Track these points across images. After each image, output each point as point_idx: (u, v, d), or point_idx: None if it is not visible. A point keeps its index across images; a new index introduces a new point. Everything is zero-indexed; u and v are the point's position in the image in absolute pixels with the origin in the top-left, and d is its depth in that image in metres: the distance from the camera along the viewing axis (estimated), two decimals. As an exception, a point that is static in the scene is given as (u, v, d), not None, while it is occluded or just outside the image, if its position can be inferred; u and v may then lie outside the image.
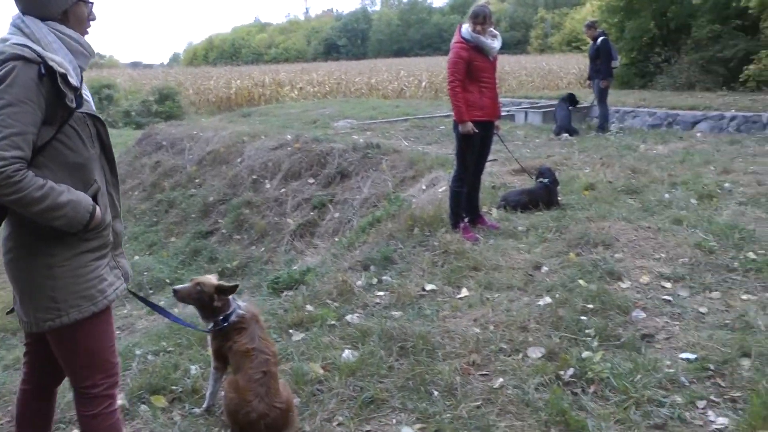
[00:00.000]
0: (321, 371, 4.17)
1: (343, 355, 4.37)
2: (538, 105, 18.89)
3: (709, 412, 3.57)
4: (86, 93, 2.70)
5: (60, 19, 2.62)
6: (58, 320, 2.60)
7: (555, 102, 16.47)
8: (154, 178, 14.26)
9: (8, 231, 2.64)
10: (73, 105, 2.54)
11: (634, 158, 10.48)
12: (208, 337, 3.73)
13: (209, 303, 3.52)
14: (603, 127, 14.20)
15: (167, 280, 9.23)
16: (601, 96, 14.16)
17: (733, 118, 14.91)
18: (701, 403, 3.64)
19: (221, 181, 12.68)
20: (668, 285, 5.36)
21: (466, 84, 6.66)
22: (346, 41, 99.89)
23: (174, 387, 4.07)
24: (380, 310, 5.27)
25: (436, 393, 3.90)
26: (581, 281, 5.39)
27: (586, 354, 4.17)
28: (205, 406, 3.82)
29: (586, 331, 4.52)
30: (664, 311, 4.90)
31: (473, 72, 6.67)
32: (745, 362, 4.01)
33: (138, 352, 4.74)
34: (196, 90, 37.76)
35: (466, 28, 6.68)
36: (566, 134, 13.46)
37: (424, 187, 9.41)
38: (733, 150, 11.22)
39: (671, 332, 4.56)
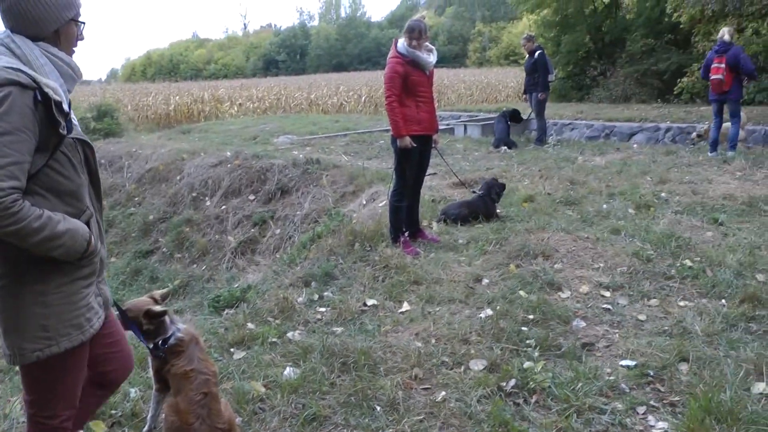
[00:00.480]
0: (263, 389, 4.12)
1: (285, 372, 4.34)
2: (477, 118, 19.16)
3: (649, 417, 3.65)
4: (73, 116, 2.62)
5: (51, 38, 2.57)
6: (47, 350, 2.53)
7: (494, 115, 16.75)
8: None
9: None
10: (65, 132, 2.48)
11: (572, 170, 10.72)
12: (149, 359, 3.66)
13: (140, 327, 3.45)
14: (541, 139, 14.51)
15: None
16: (539, 109, 14.46)
17: (668, 130, 15.41)
18: (641, 409, 3.72)
19: (161, 200, 12.55)
20: (607, 294, 5.49)
21: (403, 98, 6.72)
22: (285, 57, 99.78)
23: (113, 411, 3.97)
24: (322, 326, 5.25)
25: (378, 408, 3.89)
26: (522, 292, 5.47)
27: (527, 364, 4.22)
28: (145, 429, 3.73)
29: (527, 341, 4.58)
30: (604, 320, 5.01)
31: (410, 86, 6.73)
32: (684, 367, 4.13)
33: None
34: (134, 106, 37.16)
35: (402, 42, 6.74)
36: (505, 147, 13.71)
37: (364, 202, 9.46)
38: (668, 160, 11.57)
39: (611, 340, 4.66)
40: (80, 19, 2.67)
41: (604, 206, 8.08)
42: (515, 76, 35.40)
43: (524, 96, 15.30)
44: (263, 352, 4.75)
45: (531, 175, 10.29)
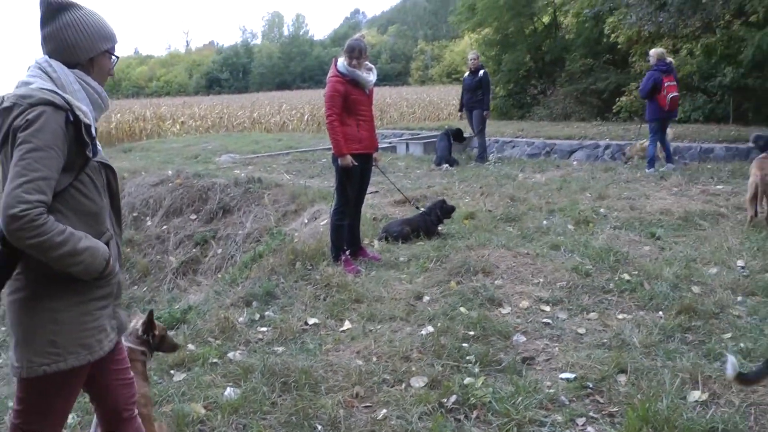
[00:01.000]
0: (203, 411, 4.10)
1: (225, 393, 4.32)
2: (420, 136, 19.34)
3: (589, 429, 3.73)
4: (97, 142, 2.71)
5: (85, 66, 2.69)
6: (54, 365, 2.56)
7: (436, 133, 16.93)
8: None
9: (16, 272, 2.61)
10: (91, 154, 2.59)
11: (513, 187, 10.89)
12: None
13: None
14: (482, 157, 14.72)
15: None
16: (482, 127, 14.65)
17: (607, 147, 15.78)
18: (581, 420, 3.80)
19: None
20: (547, 308, 5.60)
21: (343, 117, 6.78)
22: (228, 75, 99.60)
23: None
24: (263, 346, 5.24)
25: (319, 427, 3.89)
26: (462, 309, 5.55)
27: (468, 380, 4.27)
28: None
29: (468, 357, 4.64)
30: (544, 334, 5.11)
31: (350, 105, 6.80)
32: (622, 378, 4.24)
33: (10, 404, 4.49)
34: (75, 124, 36.40)
35: (342, 61, 6.80)
36: (446, 165, 13.87)
37: (306, 221, 9.47)
38: (607, 177, 11.86)
39: (551, 354, 4.75)
40: (115, 53, 2.81)
41: (544, 222, 8.24)
42: (457, 94, 35.76)
43: (461, 114, 15.45)
44: (203, 373, 4.72)
45: (472, 193, 10.43)
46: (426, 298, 5.97)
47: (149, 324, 3.62)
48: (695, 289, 5.78)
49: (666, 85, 11.85)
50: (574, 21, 23.75)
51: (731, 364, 3.35)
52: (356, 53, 6.72)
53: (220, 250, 10.49)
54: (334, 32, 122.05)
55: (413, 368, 4.56)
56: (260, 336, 5.48)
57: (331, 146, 6.93)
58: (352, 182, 6.97)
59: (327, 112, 6.80)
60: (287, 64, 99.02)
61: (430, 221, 7.95)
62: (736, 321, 5.10)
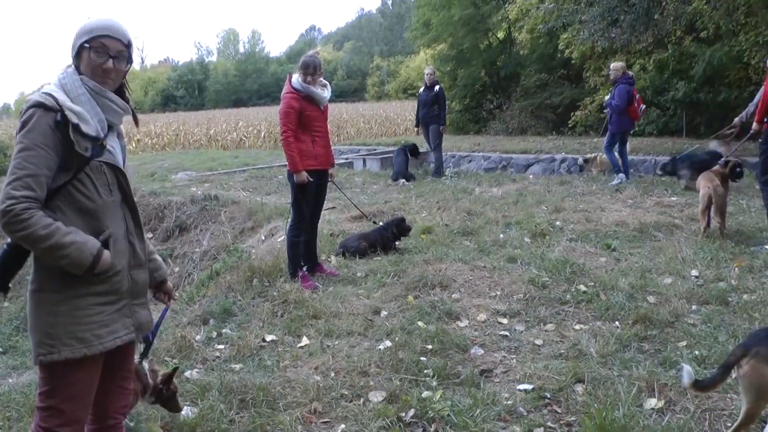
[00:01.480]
0: (161, 431, 4.06)
1: (183, 412, 4.25)
2: (376, 152, 19.42)
3: (546, 439, 3.76)
4: (113, 145, 2.89)
5: (79, 69, 2.82)
6: (49, 356, 2.70)
7: (393, 148, 17.02)
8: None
9: (33, 267, 2.81)
10: (88, 154, 2.73)
11: (469, 201, 10.99)
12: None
13: None
14: (439, 171, 14.82)
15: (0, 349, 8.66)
16: (438, 141, 14.76)
17: (563, 161, 16.03)
18: (538, 431, 3.83)
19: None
20: (505, 321, 5.65)
21: (298, 134, 6.78)
22: (184, 92, 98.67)
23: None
24: (220, 363, 5.19)
25: (277, 444, 3.87)
26: (420, 323, 5.56)
27: (426, 394, 4.28)
28: None
29: (426, 371, 4.65)
30: (502, 346, 5.14)
31: (305, 121, 6.81)
32: (579, 388, 4.29)
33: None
34: (30, 143, 35.76)
35: (296, 78, 6.81)
36: (403, 180, 13.96)
37: (263, 238, 9.45)
38: (563, 190, 12.01)
39: (509, 366, 4.79)
40: (98, 45, 2.83)
41: (501, 236, 8.32)
42: (413, 110, 36.05)
43: (417, 129, 15.53)
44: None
45: (429, 207, 10.49)
46: (384, 313, 5.98)
47: (169, 379, 3.88)
48: (651, 298, 5.89)
49: (637, 96, 12.22)
50: (528, 37, 24.11)
51: (687, 372, 3.42)
52: (311, 69, 6.74)
53: (177, 269, 10.42)
54: (290, 49, 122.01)
55: (371, 383, 4.56)
56: (217, 354, 5.42)
57: (286, 163, 6.92)
58: (308, 198, 6.97)
59: (282, 129, 6.81)
60: (243, 81, 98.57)
61: (387, 237, 7.98)
62: (691, 329, 5.20)
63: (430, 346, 5.08)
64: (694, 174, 11.36)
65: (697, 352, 4.71)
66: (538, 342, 5.16)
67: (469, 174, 15.68)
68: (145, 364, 3.86)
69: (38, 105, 2.64)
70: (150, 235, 11.37)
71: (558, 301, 6.00)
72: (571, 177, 14.12)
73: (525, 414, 4.03)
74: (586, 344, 4.97)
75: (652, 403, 4.02)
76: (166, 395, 3.94)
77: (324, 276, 7.18)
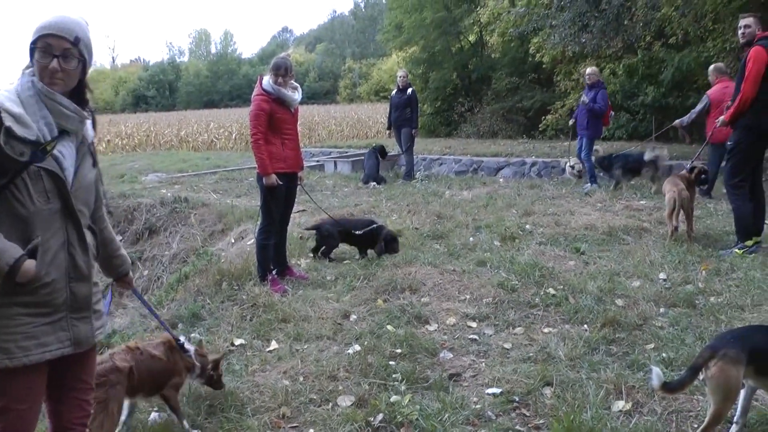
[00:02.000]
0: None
1: (150, 417, 4.27)
2: (347, 154, 19.40)
3: (515, 443, 3.77)
4: (61, 151, 2.74)
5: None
6: None
7: (364, 151, 17.01)
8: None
9: None
10: (24, 158, 2.59)
11: (439, 204, 11.02)
12: None
13: None
14: (410, 174, 14.84)
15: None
16: (409, 144, 14.78)
17: (533, 164, 16.13)
18: (507, 434, 3.84)
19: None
20: (474, 324, 5.66)
21: (268, 136, 6.75)
22: (155, 92, 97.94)
23: None
24: (188, 368, 5.15)
25: (244, 450, 3.85)
26: (389, 327, 5.56)
27: (394, 398, 4.27)
28: None
29: (395, 375, 4.64)
30: (471, 350, 5.16)
31: (275, 124, 6.78)
32: (548, 391, 4.32)
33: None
34: (-6, 143, 35.24)
35: (267, 80, 6.78)
36: (374, 183, 13.95)
37: (233, 240, 9.40)
38: (533, 194, 12.11)
39: (478, 369, 4.80)
40: (42, 46, 2.73)
41: (471, 239, 8.34)
42: (385, 112, 36.14)
43: (389, 131, 15.55)
44: (127, 398, 4.61)
45: (399, 210, 10.49)
46: (353, 317, 5.96)
47: (217, 364, 4.35)
48: (619, 301, 5.94)
49: (609, 102, 12.47)
50: (499, 40, 24.27)
51: (656, 374, 3.47)
52: (282, 71, 6.72)
53: (146, 272, 10.37)
54: (262, 50, 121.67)
55: (340, 387, 4.56)
56: (185, 358, 5.38)
57: (256, 165, 6.89)
58: (278, 201, 6.94)
59: (252, 131, 6.77)
60: (215, 82, 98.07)
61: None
62: (659, 332, 5.25)
63: (399, 350, 5.08)
64: (626, 174, 11.74)
65: (664, 355, 4.77)
66: (507, 346, 5.18)
67: (440, 177, 15.74)
68: (190, 348, 4.21)
69: None
70: (119, 237, 11.27)
71: (527, 304, 6.03)
72: (541, 181, 14.23)
73: (494, 418, 4.04)
74: (555, 347, 5.00)
75: (619, 405, 4.06)
76: (215, 378, 4.35)
77: (293, 279, 7.15)
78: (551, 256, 7.55)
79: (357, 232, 7.82)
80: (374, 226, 7.91)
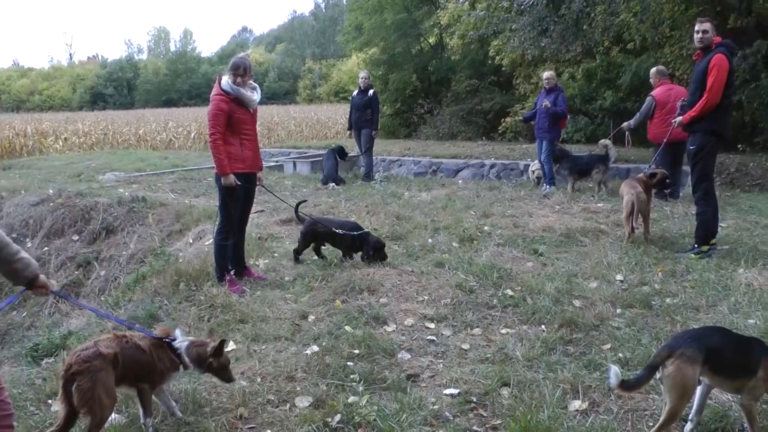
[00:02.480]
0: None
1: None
2: (307, 155, 19.33)
3: (472, 443, 3.79)
4: None
5: None
6: None
7: (323, 152, 16.98)
8: None
9: None
10: None
11: (398, 205, 11.05)
12: None
13: None
14: (369, 175, 14.86)
15: None
16: (368, 145, 14.78)
17: (492, 166, 16.24)
18: (465, 435, 3.85)
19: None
20: (432, 325, 5.68)
21: (227, 136, 6.70)
22: (113, 90, 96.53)
23: None
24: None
25: (202, 451, 3.81)
26: (347, 327, 5.55)
27: (352, 399, 4.27)
28: None
29: (353, 376, 4.64)
30: (429, 351, 5.17)
31: (234, 124, 6.73)
32: (505, 391, 4.35)
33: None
34: (-52, 140, 34.28)
35: (226, 79, 6.72)
36: (333, 183, 13.93)
37: (191, 241, 9.34)
38: (492, 195, 12.20)
39: (436, 370, 4.81)
40: None
41: (429, 240, 8.37)
42: (345, 113, 36.14)
43: (349, 132, 15.54)
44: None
45: (358, 211, 10.48)
46: (311, 318, 5.94)
47: (218, 351, 4.17)
48: (576, 302, 6.01)
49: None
50: (459, 42, 24.37)
51: (614, 373, 3.52)
52: (241, 71, 6.67)
53: (103, 272, 10.26)
54: (222, 50, 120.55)
55: (298, 388, 4.53)
56: (142, 359, 5.31)
57: (214, 165, 6.83)
58: (236, 202, 6.89)
59: (210, 131, 6.70)
60: (174, 81, 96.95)
61: (355, 246, 7.72)
62: (615, 332, 5.32)
63: (357, 351, 5.07)
64: (573, 176, 11.97)
65: (621, 355, 4.83)
66: (465, 346, 5.20)
67: (399, 178, 15.77)
68: (182, 344, 4.17)
69: None
70: (76, 237, 11.14)
71: (485, 305, 6.07)
72: (500, 182, 14.33)
73: (451, 418, 4.05)
74: (513, 348, 5.04)
75: (576, 404, 4.11)
76: (218, 366, 4.20)
77: (252, 280, 7.11)
78: (509, 258, 7.61)
79: (338, 231, 7.68)
80: (362, 231, 7.73)
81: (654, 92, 11.42)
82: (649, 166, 9.00)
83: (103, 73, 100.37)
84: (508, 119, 21.33)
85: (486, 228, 9.06)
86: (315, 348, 5.19)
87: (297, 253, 7.77)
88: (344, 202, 11.46)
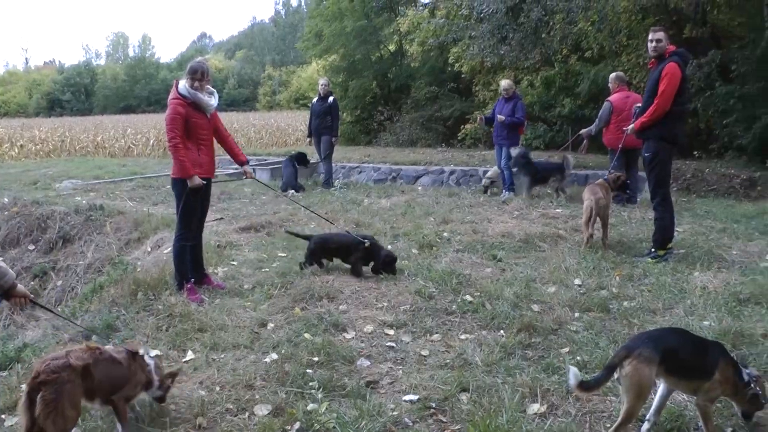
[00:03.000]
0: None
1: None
2: (266, 162, 19.24)
3: (431, 449, 3.79)
4: None
5: None
6: None
7: (283, 159, 16.92)
8: None
9: None
10: None
11: (358, 212, 11.07)
12: None
13: None
14: (328, 182, 14.86)
15: None
16: (328, 152, 14.78)
17: (452, 173, 16.32)
18: (423, 441, 3.86)
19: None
20: (391, 332, 5.68)
21: (185, 141, 6.64)
22: (71, 96, 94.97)
23: None
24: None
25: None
26: (307, 335, 5.53)
27: (311, 406, 4.26)
28: None
29: (312, 383, 4.62)
30: (388, 357, 5.17)
31: (191, 129, 6.67)
32: (464, 396, 4.37)
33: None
34: None
35: (183, 84, 6.66)
36: (292, 190, 13.89)
37: (149, 249, 9.22)
38: (451, 202, 12.27)
39: (395, 377, 4.82)
40: None
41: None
42: (304, 120, 36.09)
43: (309, 139, 15.53)
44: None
45: (317, 218, 10.44)
46: (270, 325, 5.91)
47: (174, 376, 4.41)
48: (535, 307, 6.07)
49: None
50: (419, 49, 24.46)
51: (573, 374, 3.57)
52: (198, 75, 6.62)
53: (60, 282, 10.08)
54: (181, 56, 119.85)
55: (257, 396, 4.51)
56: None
57: (171, 171, 6.76)
58: (194, 208, 6.83)
59: (169, 135, 6.62)
60: (132, 87, 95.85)
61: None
62: (574, 336, 5.39)
63: (316, 358, 5.06)
64: (531, 182, 12.15)
65: (579, 358, 4.89)
66: (424, 352, 5.22)
67: (359, 185, 15.76)
68: (151, 362, 4.23)
69: None
70: (32, 246, 10.95)
71: (444, 311, 6.09)
72: (459, 189, 14.41)
73: (410, 424, 4.06)
74: (472, 353, 5.07)
75: (535, 408, 4.15)
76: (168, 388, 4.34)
77: (211, 288, 7.04)
78: (468, 264, 7.65)
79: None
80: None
81: (611, 97, 11.60)
82: (609, 172, 9.12)
83: (60, 79, 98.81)
84: (467, 126, 21.46)
85: (445, 234, 9.10)
86: (274, 356, 5.16)
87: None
88: (304, 210, 11.40)
